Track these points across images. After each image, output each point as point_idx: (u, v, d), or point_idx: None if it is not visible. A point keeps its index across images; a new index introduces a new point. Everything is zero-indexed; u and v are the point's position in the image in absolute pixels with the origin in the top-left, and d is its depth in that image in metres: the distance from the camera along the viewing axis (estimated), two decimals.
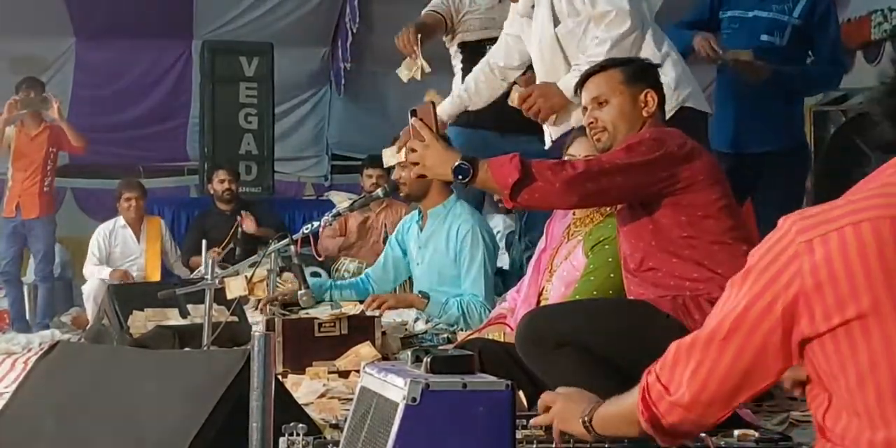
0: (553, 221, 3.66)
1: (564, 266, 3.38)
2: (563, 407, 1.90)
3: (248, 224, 7.31)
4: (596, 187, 2.69)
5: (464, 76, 4.94)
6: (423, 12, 5.08)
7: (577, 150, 3.36)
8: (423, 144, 2.72)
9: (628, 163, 2.73)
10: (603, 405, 1.84)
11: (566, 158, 3.30)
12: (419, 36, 4.60)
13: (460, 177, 2.68)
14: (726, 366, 1.64)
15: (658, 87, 2.99)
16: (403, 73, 4.51)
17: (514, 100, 3.65)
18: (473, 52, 4.94)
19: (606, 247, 3.20)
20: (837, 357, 1.53)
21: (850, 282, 1.52)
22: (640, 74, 2.98)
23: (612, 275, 3.10)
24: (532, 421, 2.00)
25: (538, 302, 3.38)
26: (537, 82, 3.74)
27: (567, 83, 3.53)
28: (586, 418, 1.84)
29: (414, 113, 2.79)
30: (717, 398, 1.66)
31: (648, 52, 3.49)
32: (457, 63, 5.05)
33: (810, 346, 1.57)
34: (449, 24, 5.01)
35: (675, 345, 1.70)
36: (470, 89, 4.18)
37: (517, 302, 3.64)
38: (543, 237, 3.66)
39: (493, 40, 4.97)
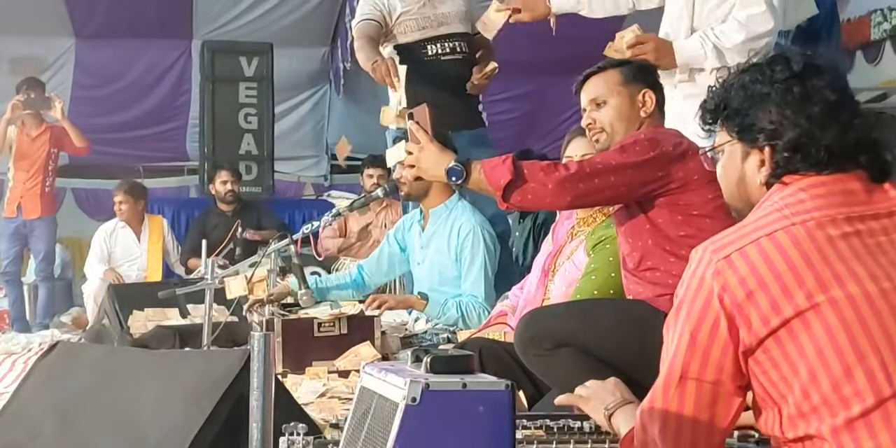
0: (558, 224, 3.66)
1: (566, 266, 3.38)
2: (594, 391, 1.99)
3: (252, 235, 7.28)
4: (589, 187, 2.69)
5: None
6: (357, 24, 5.00)
7: (575, 151, 3.36)
8: (419, 147, 2.74)
9: (622, 162, 2.73)
10: (623, 409, 1.88)
11: (564, 159, 3.30)
12: (396, 65, 4.57)
13: (454, 178, 2.68)
14: (692, 402, 1.66)
15: (656, 88, 2.99)
16: (389, 118, 4.37)
17: (627, 40, 3.53)
18: (412, 53, 4.93)
19: (608, 246, 3.20)
20: (787, 360, 1.58)
21: (780, 284, 1.58)
22: (638, 75, 2.98)
23: (612, 274, 3.10)
24: (556, 400, 2.07)
25: (543, 299, 3.39)
26: (660, 33, 3.67)
27: (683, 47, 3.49)
28: (607, 413, 1.92)
29: (411, 116, 2.80)
30: (697, 443, 1.67)
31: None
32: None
33: (754, 357, 1.61)
34: (384, 29, 4.98)
35: (638, 411, 1.73)
36: None
37: (519, 300, 3.65)
38: (549, 239, 3.67)
39: (431, 40, 4.97)
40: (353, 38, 8.29)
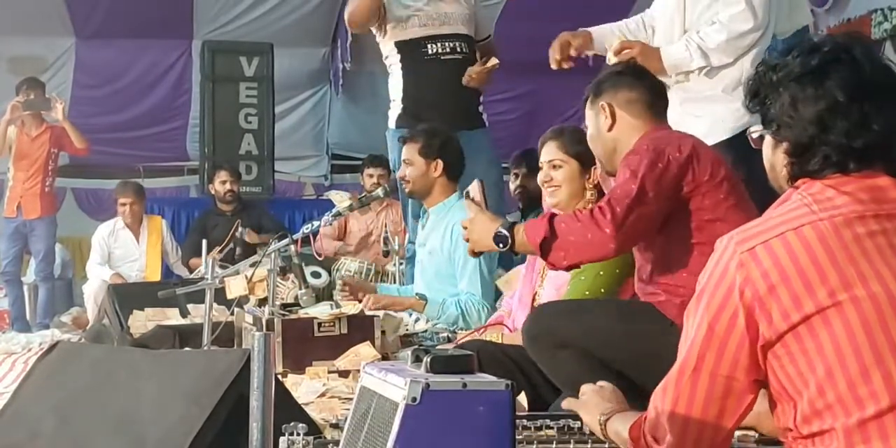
0: None
1: (555, 274, 3.35)
2: (591, 398, 1.99)
3: (251, 237, 7.29)
4: (627, 230, 2.60)
5: (403, 75, 4.93)
6: None
7: (546, 157, 3.37)
8: (470, 219, 2.78)
9: (640, 189, 2.63)
10: (619, 415, 1.88)
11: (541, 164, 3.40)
12: None
13: (500, 245, 2.68)
14: (703, 394, 1.66)
15: (619, 88, 2.86)
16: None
17: (612, 46, 3.51)
18: (413, 50, 4.92)
19: None
20: (805, 357, 1.57)
21: (802, 279, 1.57)
22: (593, 96, 2.90)
23: (601, 273, 3.10)
24: (563, 403, 2.08)
25: (533, 307, 3.38)
26: (655, 40, 3.66)
27: (668, 51, 3.49)
28: (602, 419, 1.91)
29: (467, 194, 2.90)
30: (703, 434, 1.67)
31: (750, 60, 3.46)
32: (394, 62, 5.00)
33: (773, 351, 1.61)
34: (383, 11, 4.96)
35: (653, 394, 1.73)
36: (625, 30, 3.87)
37: (511, 306, 3.65)
38: None
39: (432, 39, 4.96)
40: (352, 38, 8.26)
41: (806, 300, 1.57)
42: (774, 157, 1.76)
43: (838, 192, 1.64)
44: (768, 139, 1.77)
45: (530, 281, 3.47)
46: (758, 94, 1.76)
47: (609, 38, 3.74)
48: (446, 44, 4.99)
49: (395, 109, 5.06)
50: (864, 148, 1.65)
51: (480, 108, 5.14)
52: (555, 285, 3.33)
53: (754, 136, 1.82)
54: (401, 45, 4.97)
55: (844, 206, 1.62)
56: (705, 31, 3.50)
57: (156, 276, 7.37)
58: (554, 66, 3.63)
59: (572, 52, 3.63)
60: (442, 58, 4.96)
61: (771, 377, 1.63)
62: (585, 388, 2.03)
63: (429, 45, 4.96)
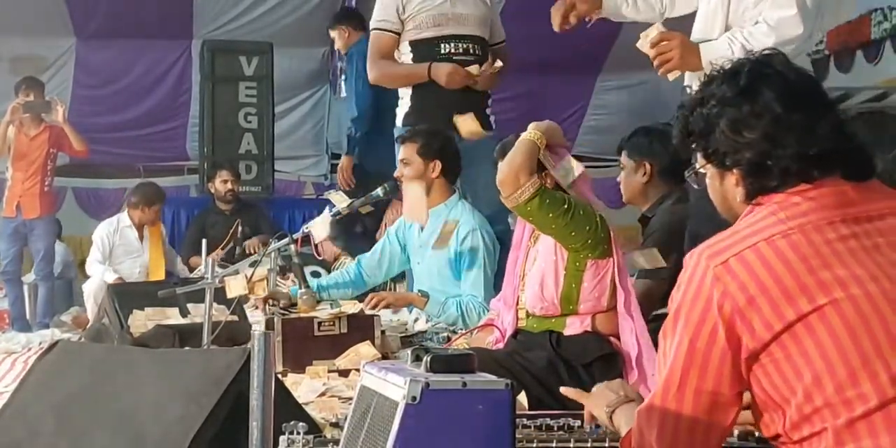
0: (517, 225, 3.56)
1: (534, 271, 3.31)
2: (599, 391, 1.98)
3: (252, 246, 7.30)
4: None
5: None
6: (372, 30, 5.03)
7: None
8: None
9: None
10: (625, 406, 1.88)
11: None
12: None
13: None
14: (689, 412, 1.66)
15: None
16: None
17: (651, 37, 3.34)
18: (427, 49, 4.91)
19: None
20: (790, 364, 1.57)
21: (781, 288, 1.57)
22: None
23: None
24: (562, 389, 2.07)
25: (517, 309, 3.36)
26: (692, 34, 3.51)
27: (709, 47, 3.33)
28: (608, 410, 1.91)
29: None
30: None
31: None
32: (406, 60, 4.98)
33: (758, 362, 1.60)
34: (399, 36, 4.98)
35: (636, 414, 1.73)
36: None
37: (499, 308, 3.64)
38: (516, 233, 3.58)
39: (447, 38, 4.94)
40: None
41: (786, 308, 1.57)
42: (724, 187, 1.76)
43: (804, 199, 1.64)
44: (712, 172, 1.77)
45: (512, 282, 3.45)
46: (692, 131, 1.76)
47: (622, 6, 3.65)
48: (459, 44, 4.97)
49: (403, 108, 5.04)
50: (820, 154, 1.65)
51: (488, 111, 5.12)
52: (537, 282, 3.30)
53: (699, 170, 1.81)
54: (415, 44, 4.96)
55: (812, 213, 1.63)
56: (750, 31, 3.36)
57: (159, 274, 7.37)
58: (557, 30, 3.58)
59: (572, 19, 3.57)
60: (454, 58, 4.92)
61: (755, 387, 1.62)
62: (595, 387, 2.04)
63: (442, 45, 4.94)
